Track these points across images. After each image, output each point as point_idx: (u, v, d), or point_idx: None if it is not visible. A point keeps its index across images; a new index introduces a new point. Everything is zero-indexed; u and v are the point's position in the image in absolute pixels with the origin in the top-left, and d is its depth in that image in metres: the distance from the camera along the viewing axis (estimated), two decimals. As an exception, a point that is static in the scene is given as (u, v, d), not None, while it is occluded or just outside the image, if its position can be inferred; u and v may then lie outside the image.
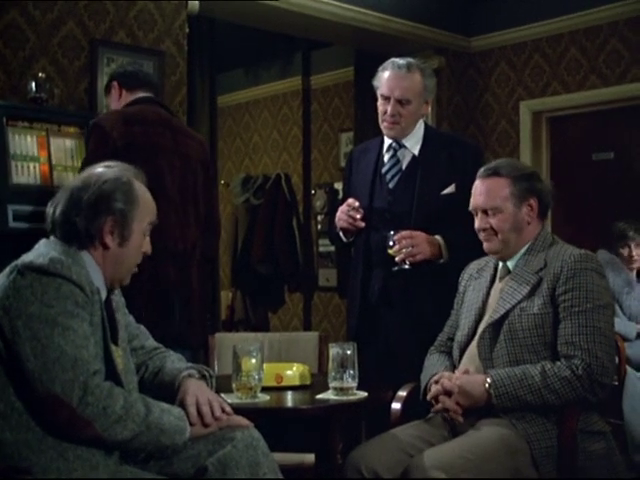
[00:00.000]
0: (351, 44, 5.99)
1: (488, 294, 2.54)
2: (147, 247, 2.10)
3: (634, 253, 4.39)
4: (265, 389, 2.44)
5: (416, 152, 3.08)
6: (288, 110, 7.15)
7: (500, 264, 2.55)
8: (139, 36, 4.10)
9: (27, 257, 1.91)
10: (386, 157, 3.12)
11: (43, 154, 3.38)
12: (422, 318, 2.93)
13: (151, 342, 2.29)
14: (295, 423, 2.84)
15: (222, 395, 2.23)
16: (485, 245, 2.53)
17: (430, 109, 3.24)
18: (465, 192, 2.69)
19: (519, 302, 2.39)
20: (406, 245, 2.88)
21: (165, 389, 2.14)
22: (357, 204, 2.99)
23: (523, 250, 2.49)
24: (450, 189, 3.01)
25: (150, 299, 2.98)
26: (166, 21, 4.22)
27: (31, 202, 3.18)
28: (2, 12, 3.63)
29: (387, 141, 3.14)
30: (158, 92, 3.39)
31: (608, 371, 2.28)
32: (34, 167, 3.35)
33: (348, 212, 3.00)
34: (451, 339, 2.63)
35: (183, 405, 2.03)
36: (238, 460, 1.95)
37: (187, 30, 4.36)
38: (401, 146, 3.10)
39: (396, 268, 2.91)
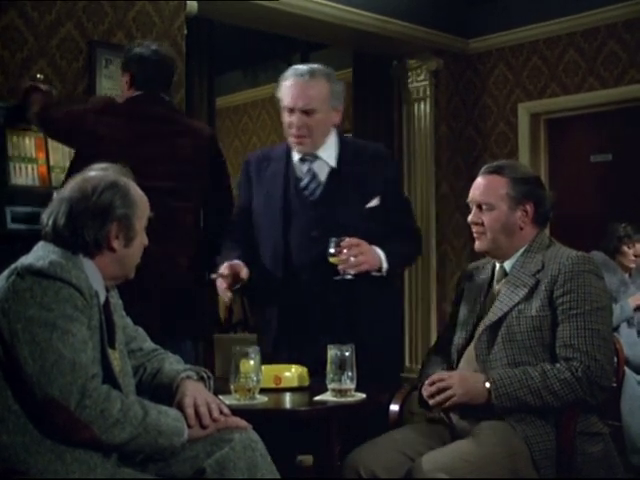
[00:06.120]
0: (349, 46, 5.99)
1: (486, 296, 2.54)
2: (145, 240, 2.12)
3: None
4: (263, 391, 2.43)
5: (333, 163, 2.86)
6: (286, 111, 7.14)
7: (497, 266, 2.55)
8: (137, 37, 4.10)
9: (26, 260, 1.91)
10: (302, 170, 2.88)
11: (41, 156, 3.38)
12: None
13: (149, 344, 2.29)
14: (293, 424, 2.83)
15: (220, 397, 2.23)
16: (475, 244, 2.52)
17: (340, 117, 2.91)
18: (388, 199, 2.77)
19: (516, 304, 2.38)
20: (353, 254, 2.65)
21: (163, 391, 2.14)
22: (227, 272, 2.66)
23: (520, 252, 2.48)
24: (375, 202, 2.83)
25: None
26: (164, 22, 4.22)
27: (29, 204, 3.18)
28: (0, 13, 3.63)
29: (297, 153, 2.90)
30: None
31: (607, 373, 2.28)
32: (32, 169, 3.35)
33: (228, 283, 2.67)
34: (450, 341, 2.63)
35: (181, 407, 2.03)
36: (236, 462, 1.95)
37: (185, 31, 4.37)
38: (316, 158, 2.87)
39: (338, 277, 2.68)
